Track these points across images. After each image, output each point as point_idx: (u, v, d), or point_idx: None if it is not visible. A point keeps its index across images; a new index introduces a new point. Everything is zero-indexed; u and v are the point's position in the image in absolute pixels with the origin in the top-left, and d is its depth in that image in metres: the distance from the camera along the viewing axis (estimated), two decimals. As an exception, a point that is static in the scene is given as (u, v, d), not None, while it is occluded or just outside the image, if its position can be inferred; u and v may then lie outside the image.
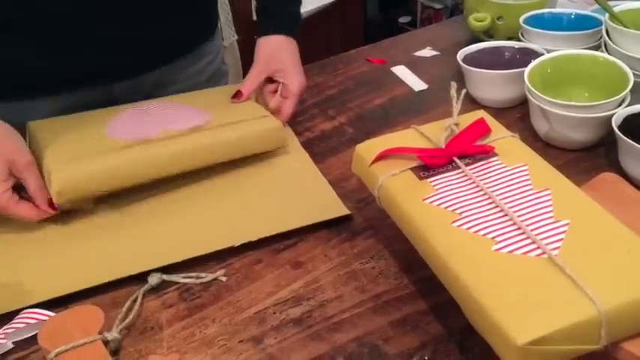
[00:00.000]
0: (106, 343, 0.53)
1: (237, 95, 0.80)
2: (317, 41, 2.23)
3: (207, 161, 0.70)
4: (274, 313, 0.57)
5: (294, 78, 0.80)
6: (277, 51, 0.82)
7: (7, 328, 0.56)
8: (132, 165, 0.66)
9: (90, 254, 0.64)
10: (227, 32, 1.81)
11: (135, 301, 0.58)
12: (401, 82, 0.92)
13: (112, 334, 0.54)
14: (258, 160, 0.75)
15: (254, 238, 0.62)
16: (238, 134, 0.72)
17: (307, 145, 0.79)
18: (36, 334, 0.54)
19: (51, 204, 0.65)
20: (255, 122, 0.74)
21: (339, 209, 0.66)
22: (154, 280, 0.59)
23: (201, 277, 0.60)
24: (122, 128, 0.71)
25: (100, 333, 0.53)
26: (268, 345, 0.54)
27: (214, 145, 0.70)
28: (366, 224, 0.66)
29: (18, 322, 0.56)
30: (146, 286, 0.59)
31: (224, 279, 0.60)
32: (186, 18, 0.84)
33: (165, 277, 0.60)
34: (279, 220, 0.65)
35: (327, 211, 0.65)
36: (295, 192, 0.70)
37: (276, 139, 0.74)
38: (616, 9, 0.79)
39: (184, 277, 0.60)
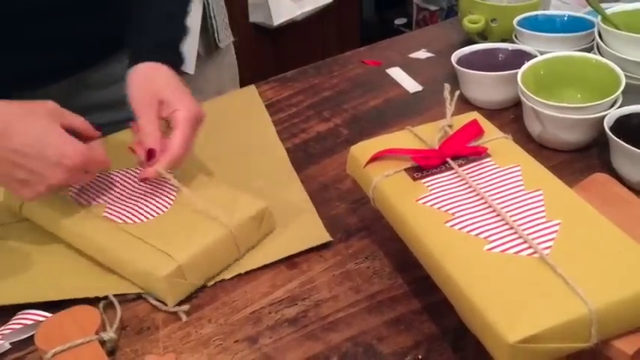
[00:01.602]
0: (102, 343, 0.54)
1: (150, 157, 0.63)
2: (314, 42, 2.24)
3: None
4: (270, 313, 0.57)
5: (179, 102, 0.64)
6: (149, 80, 0.66)
7: (4, 329, 0.56)
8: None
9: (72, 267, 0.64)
10: (223, 34, 1.81)
11: (109, 304, 0.58)
12: (396, 84, 0.92)
13: (109, 335, 0.54)
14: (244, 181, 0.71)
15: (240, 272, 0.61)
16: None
17: (302, 147, 0.80)
18: (33, 335, 0.54)
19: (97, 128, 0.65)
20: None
21: (322, 236, 0.64)
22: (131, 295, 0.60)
23: (164, 305, 0.58)
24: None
25: (97, 333, 0.54)
26: (264, 345, 0.54)
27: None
28: (361, 225, 0.66)
29: (15, 323, 0.57)
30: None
31: (184, 318, 0.57)
32: (114, 14, 0.82)
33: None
34: (265, 252, 0.63)
35: (309, 240, 0.64)
36: (282, 223, 0.66)
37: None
38: (608, 11, 0.80)
39: (155, 299, 0.59)
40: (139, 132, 0.64)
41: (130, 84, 0.66)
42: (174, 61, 0.70)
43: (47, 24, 0.76)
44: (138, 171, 0.68)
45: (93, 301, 0.58)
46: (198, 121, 0.65)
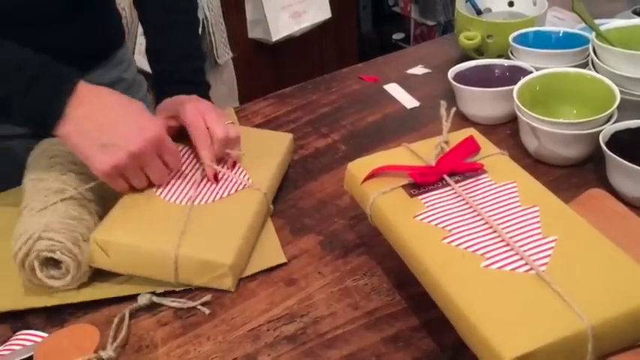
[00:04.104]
0: (101, 361, 0.54)
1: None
2: (312, 57, 2.25)
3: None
4: (268, 330, 0.57)
5: (180, 107, 0.72)
6: (166, 105, 0.76)
7: (3, 350, 0.56)
8: None
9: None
10: (222, 50, 1.83)
11: (123, 319, 0.58)
12: (393, 100, 0.93)
13: (107, 353, 0.54)
14: None
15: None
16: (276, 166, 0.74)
17: (301, 163, 0.80)
18: (32, 356, 0.54)
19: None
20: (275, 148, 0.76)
21: (278, 257, 0.65)
22: (143, 300, 0.60)
23: (188, 303, 0.60)
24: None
25: (96, 352, 0.54)
26: (262, 362, 0.55)
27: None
28: (359, 241, 0.67)
29: (13, 344, 0.57)
30: (134, 306, 0.60)
31: (207, 312, 0.59)
32: (96, 25, 0.85)
33: (155, 298, 0.60)
34: None
35: (264, 261, 0.65)
36: None
37: (291, 147, 0.80)
38: (602, 27, 0.81)
39: (173, 301, 0.60)
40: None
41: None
42: (199, 93, 0.77)
43: (30, 33, 0.76)
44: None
45: (96, 322, 0.59)
46: (203, 108, 0.71)
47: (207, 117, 0.71)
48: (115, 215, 0.65)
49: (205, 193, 0.68)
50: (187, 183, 0.70)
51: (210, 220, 0.65)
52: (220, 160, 0.72)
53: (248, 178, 0.71)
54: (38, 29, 0.78)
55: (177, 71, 0.80)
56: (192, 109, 0.71)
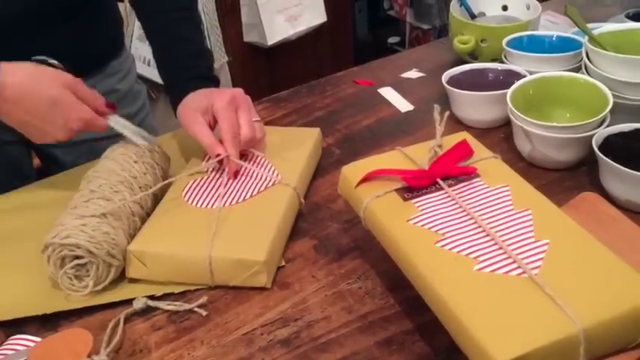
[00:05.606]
0: (94, 366, 0.54)
1: (221, 161, 0.71)
2: (308, 61, 2.26)
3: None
4: (262, 334, 0.57)
5: (211, 100, 0.72)
6: (194, 99, 0.75)
7: (-4, 354, 0.56)
8: None
9: None
10: (217, 54, 1.83)
11: (117, 324, 0.58)
12: (388, 104, 0.93)
13: (101, 358, 0.54)
14: None
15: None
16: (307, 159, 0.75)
17: (295, 167, 0.80)
18: None
19: (108, 105, 0.73)
20: (305, 144, 0.77)
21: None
22: (138, 304, 0.60)
23: (184, 306, 0.60)
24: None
25: (89, 356, 0.54)
26: (256, 366, 0.55)
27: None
28: (353, 245, 0.67)
29: (6, 349, 0.56)
30: (130, 310, 0.60)
31: (204, 313, 0.60)
32: (89, 33, 0.85)
33: (150, 302, 0.61)
34: None
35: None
36: None
37: (319, 141, 0.81)
38: (595, 32, 0.81)
39: (169, 304, 0.61)
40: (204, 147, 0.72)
41: (179, 116, 0.75)
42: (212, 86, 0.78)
43: (17, 41, 0.76)
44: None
45: (89, 326, 0.59)
46: (238, 101, 0.72)
47: (240, 112, 0.71)
48: (149, 227, 0.65)
49: (235, 194, 0.69)
50: (215, 186, 0.70)
51: (240, 219, 0.65)
52: (241, 156, 0.73)
53: (277, 174, 0.71)
54: (24, 38, 0.77)
55: (193, 67, 0.80)
56: (225, 100, 0.71)
